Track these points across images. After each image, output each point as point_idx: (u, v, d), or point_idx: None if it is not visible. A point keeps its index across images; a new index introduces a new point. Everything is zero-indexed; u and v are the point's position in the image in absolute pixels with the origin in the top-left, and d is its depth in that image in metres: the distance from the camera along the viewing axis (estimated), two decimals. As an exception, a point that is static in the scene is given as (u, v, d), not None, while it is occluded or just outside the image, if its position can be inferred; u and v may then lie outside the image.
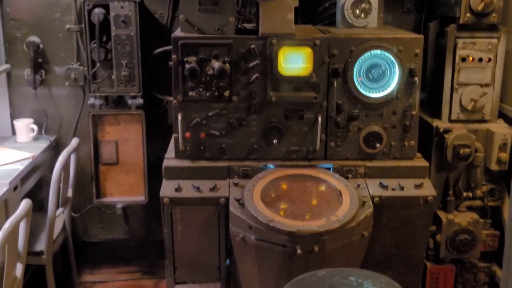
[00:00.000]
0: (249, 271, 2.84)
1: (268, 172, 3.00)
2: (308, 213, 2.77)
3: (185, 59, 2.95)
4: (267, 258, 2.69)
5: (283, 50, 2.95)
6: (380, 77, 3.03)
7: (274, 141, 3.05)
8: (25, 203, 2.61)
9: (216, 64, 2.95)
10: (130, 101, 3.60)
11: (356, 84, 3.02)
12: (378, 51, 2.98)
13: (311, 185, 2.96)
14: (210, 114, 3.03)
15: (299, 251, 2.58)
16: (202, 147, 3.06)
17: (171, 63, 2.99)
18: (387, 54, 2.98)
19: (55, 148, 3.75)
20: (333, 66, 3.00)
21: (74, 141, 3.45)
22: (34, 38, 3.68)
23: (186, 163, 3.05)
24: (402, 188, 2.97)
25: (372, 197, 2.92)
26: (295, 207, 2.80)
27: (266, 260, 2.70)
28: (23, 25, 3.69)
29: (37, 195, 3.60)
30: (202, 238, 3.01)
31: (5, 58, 3.69)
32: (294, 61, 2.98)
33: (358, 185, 2.95)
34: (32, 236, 2.96)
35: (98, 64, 3.52)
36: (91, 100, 3.60)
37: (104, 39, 3.49)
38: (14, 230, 2.51)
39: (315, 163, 3.07)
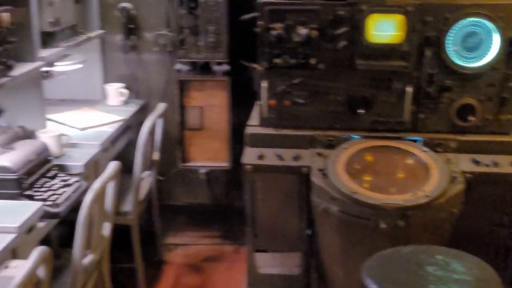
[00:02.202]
0: (330, 243, 2.80)
1: (352, 142, 2.94)
2: (394, 186, 2.69)
3: (271, 26, 2.91)
4: (349, 230, 2.65)
5: (373, 17, 2.85)
6: (477, 46, 2.87)
7: (360, 111, 2.97)
8: (114, 165, 2.68)
9: (302, 30, 2.89)
10: (216, 68, 3.61)
11: (450, 53, 2.88)
12: (476, 18, 2.82)
13: (398, 158, 2.87)
14: (295, 81, 2.98)
15: (383, 225, 2.51)
16: (286, 115, 3.03)
17: (257, 29, 2.96)
18: (486, 21, 2.81)
19: (144, 112, 3.83)
20: (426, 34, 2.86)
21: (161, 106, 3.51)
22: (126, 4, 3.75)
23: (269, 130, 3.03)
24: (496, 165, 2.83)
25: (464, 173, 2.79)
26: (380, 179, 2.73)
27: (348, 233, 2.66)
28: (116, -8, 3.78)
29: (125, 158, 3.70)
30: (283, 207, 3.00)
31: (99, 24, 3.78)
32: (384, 29, 2.87)
33: (448, 160, 2.83)
34: (119, 197, 3.05)
35: (186, 30, 3.54)
36: (178, 66, 3.64)
37: (193, 5, 3.50)
38: (103, 190, 2.59)
39: (403, 135, 2.97)
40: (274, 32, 2.90)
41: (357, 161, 2.83)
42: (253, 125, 3.07)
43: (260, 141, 3.00)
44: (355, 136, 2.98)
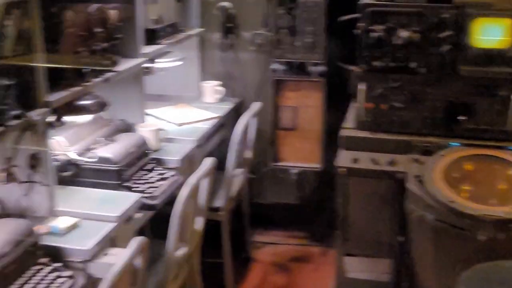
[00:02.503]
0: (424, 252, 2.73)
1: (451, 150, 2.85)
2: (494, 197, 2.58)
3: (371, 27, 2.87)
4: (445, 240, 2.56)
5: (479, 20, 2.75)
6: None
7: (460, 118, 2.87)
8: (209, 161, 2.73)
9: (404, 33, 2.83)
10: (311, 68, 3.61)
11: (561, 59, 2.73)
12: None
13: (499, 168, 2.75)
14: (393, 85, 2.93)
15: (481, 237, 2.42)
16: (382, 119, 2.98)
17: (357, 31, 2.92)
18: None
19: (238, 111, 3.87)
20: (535, 39, 2.73)
21: (256, 105, 3.54)
22: (226, 3, 3.81)
23: (365, 134, 2.99)
24: None
25: None
26: (480, 189, 2.63)
27: (444, 243, 2.57)
28: (217, -9, 3.85)
29: (218, 154, 3.76)
30: (375, 212, 2.95)
31: (199, 22, 3.86)
32: (491, 33, 2.76)
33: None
34: (211, 193, 3.10)
35: (283, 30, 3.55)
36: (274, 66, 3.66)
37: (292, 5, 3.51)
38: (198, 185, 2.65)
39: (506, 144, 2.84)
40: (374, 34, 2.86)
41: (455, 169, 2.74)
42: (349, 128, 3.04)
43: (355, 144, 2.96)
44: (454, 144, 2.89)
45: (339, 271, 3.10)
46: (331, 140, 3.50)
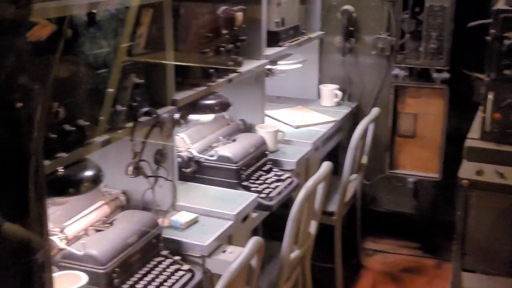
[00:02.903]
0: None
1: None
2: None
3: (504, 34, 2.73)
4: None
5: None
6: None
7: None
8: (326, 166, 2.72)
9: (539, 41, 2.67)
10: (434, 75, 3.50)
11: None
12: None
13: None
14: (525, 96, 2.78)
15: None
16: (510, 130, 2.83)
17: (488, 38, 2.80)
18: None
19: (355, 115, 3.84)
20: None
21: (375, 111, 3.49)
22: (348, 7, 3.78)
23: (490, 145, 2.85)
24: None
25: None
26: None
27: None
28: (340, -6, 3.83)
29: (334, 158, 3.74)
30: (497, 228, 2.80)
31: (320, 25, 3.86)
32: None
33: None
34: (326, 197, 3.09)
35: (407, 35, 3.48)
36: (395, 71, 3.58)
37: (417, 10, 3.42)
38: (314, 189, 2.64)
39: None
40: (507, 42, 2.71)
41: None
42: (473, 138, 2.91)
43: (480, 156, 2.83)
44: None
45: (455, 287, 2.98)
46: (451, 150, 3.39)
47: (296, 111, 3.68)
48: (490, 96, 2.82)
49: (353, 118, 3.83)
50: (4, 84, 1.46)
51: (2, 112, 1.49)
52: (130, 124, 2.14)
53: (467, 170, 2.80)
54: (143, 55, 2.34)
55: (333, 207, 3.31)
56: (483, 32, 2.86)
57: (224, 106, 2.65)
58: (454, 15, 3.35)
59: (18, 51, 1.53)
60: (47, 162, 1.75)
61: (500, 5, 2.82)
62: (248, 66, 2.93)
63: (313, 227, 2.85)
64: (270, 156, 2.99)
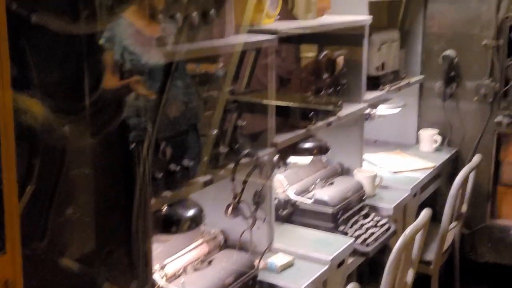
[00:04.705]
0: None
1: None
2: None
3: None
4: None
5: None
6: None
7: None
8: (425, 213, 2.66)
9: None
10: (540, 123, 3.37)
11: None
12: None
13: None
14: None
15: None
16: None
17: None
18: None
19: (454, 162, 3.75)
20: None
21: (476, 158, 3.39)
22: (450, 52, 3.73)
23: None
24: None
25: None
26: None
27: None
28: (441, 39, 3.78)
29: (431, 205, 3.66)
30: None
31: (420, 70, 3.83)
32: None
33: None
34: (424, 245, 3.02)
35: (510, 82, 3.38)
36: (498, 118, 3.49)
37: (524, 55, 3.34)
38: (412, 237, 2.59)
39: None
40: None
41: None
42: None
43: None
44: None
45: None
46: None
47: (394, 156, 3.64)
48: None
49: (453, 165, 3.73)
50: (121, 125, 1.57)
51: (117, 153, 1.60)
52: (231, 165, 2.20)
53: None
54: (245, 96, 2.43)
55: (430, 256, 3.23)
56: None
57: (322, 149, 2.68)
58: None
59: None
60: (153, 201, 1.83)
61: None
62: (348, 109, 2.94)
63: (410, 276, 2.79)
64: (367, 201, 2.97)
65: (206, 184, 2.09)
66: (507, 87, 3.40)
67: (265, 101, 2.42)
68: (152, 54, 1.70)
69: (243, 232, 2.35)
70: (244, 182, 2.29)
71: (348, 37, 3.01)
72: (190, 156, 2.00)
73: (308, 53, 3.17)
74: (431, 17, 3.78)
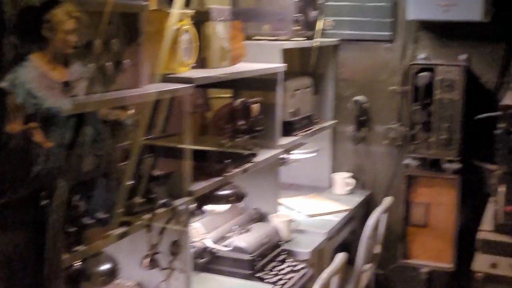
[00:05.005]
0: None
1: None
2: None
3: (513, 129, 2.80)
4: None
5: None
6: None
7: None
8: (341, 257, 2.71)
9: (549, 136, 2.73)
10: (446, 165, 3.53)
11: None
12: None
13: None
14: (537, 189, 2.80)
15: None
16: (524, 224, 2.84)
17: (497, 131, 2.86)
18: None
19: (368, 203, 3.87)
20: None
21: (387, 200, 3.50)
22: (361, 97, 3.88)
23: (504, 238, 2.86)
24: None
25: None
26: None
27: None
28: (352, 85, 3.93)
29: (347, 247, 3.73)
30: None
31: (332, 114, 3.96)
32: None
33: None
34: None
35: (418, 126, 3.54)
36: (407, 161, 3.63)
37: (427, 101, 3.50)
38: (328, 282, 2.63)
39: None
40: (516, 136, 2.78)
41: None
42: (486, 230, 2.93)
43: (493, 248, 2.84)
44: None
45: None
46: (465, 240, 3.38)
47: (310, 200, 3.71)
48: (502, 189, 2.85)
49: (366, 207, 3.85)
50: (32, 183, 1.52)
51: (28, 211, 1.54)
52: (147, 216, 2.17)
53: (481, 262, 2.80)
54: (160, 145, 2.41)
55: (346, 297, 3.28)
56: (492, 123, 2.93)
57: (239, 197, 2.70)
58: (463, 107, 3.43)
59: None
60: (65, 256, 1.78)
61: (508, 100, 2.91)
62: (263, 155, 2.98)
63: (326, 319, 2.82)
64: (284, 246, 2.99)
65: (121, 236, 2.05)
66: (414, 131, 3.56)
67: (181, 149, 2.41)
68: (60, 100, 1.65)
69: (159, 284, 2.31)
70: (161, 233, 2.27)
71: (263, 82, 3.08)
72: (103, 208, 1.96)
73: (224, 97, 3.22)
74: (342, 64, 3.94)
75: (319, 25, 3.61)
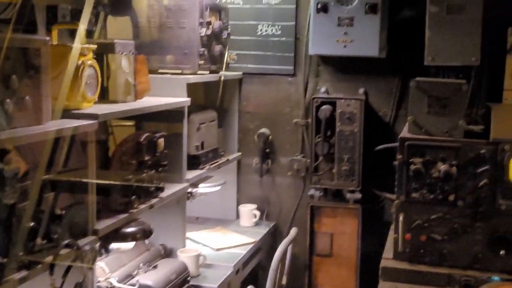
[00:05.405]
0: None
1: (492, 285, 2.80)
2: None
3: (410, 160, 2.93)
4: None
5: (517, 156, 2.80)
6: None
7: (501, 252, 2.85)
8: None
9: (442, 167, 2.88)
10: (348, 195, 3.65)
11: None
12: None
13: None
14: (432, 217, 2.94)
15: None
16: (422, 251, 2.96)
17: (395, 162, 2.99)
18: None
19: (274, 235, 3.91)
20: None
21: (293, 231, 3.56)
22: (264, 130, 3.95)
23: (404, 265, 2.96)
24: None
25: None
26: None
27: None
28: (256, 118, 4.00)
29: (254, 279, 3.75)
30: None
31: (238, 147, 3.99)
32: (529, 169, 2.80)
33: None
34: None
35: (321, 158, 3.65)
36: (311, 192, 3.72)
37: (328, 134, 3.62)
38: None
39: (549, 282, 2.80)
40: (413, 167, 2.91)
41: (498, 306, 2.69)
42: (388, 258, 3.03)
43: (395, 275, 2.93)
44: (495, 278, 2.85)
45: None
46: (368, 268, 3.48)
47: (216, 233, 3.70)
48: (401, 218, 2.97)
49: (272, 238, 3.89)
50: None
51: None
52: (49, 258, 2.09)
53: (384, 290, 2.88)
54: (63, 183, 2.33)
55: (255, 330, 3.28)
56: (391, 154, 3.06)
57: (146, 233, 2.65)
58: (363, 139, 3.57)
59: None
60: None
61: (405, 133, 3.05)
62: (170, 190, 2.95)
63: None
64: (192, 281, 2.96)
65: (22, 280, 1.95)
66: (317, 163, 3.66)
67: (84, 185, 2.35)
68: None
69: (63, 328, 2.21)
70: (64, 274, 2.18)
71: (168, 115, 3.06)
72: (3, 252, 1.87)
73: (126, 126, 3.17)
74: (246, 97, 4.00)
75: (224, 59, 3.66)
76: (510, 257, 2.85)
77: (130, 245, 2.71)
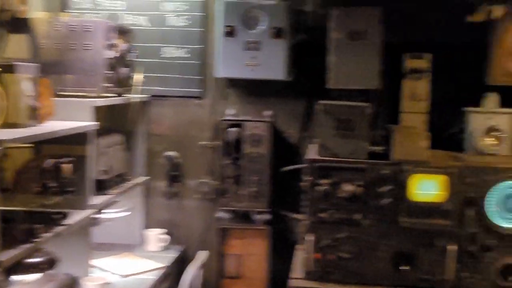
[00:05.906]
0: None
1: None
2: None
3: (318, 181, 3.00)
4: None
5: (416, 176, 2.94)
6: (518, 207, 2.93)
7: (403, 268, 2.98)
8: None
9: (348, 187, 2.98)
10: (256, 217, 3.68)
11: (491, 214, 2.93)
12: (515, 182, 2.91)
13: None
14: (340, 236, 3.02)
15: None
16: (330, 269, 3.03)
17: (302, 183, 3.05)
18: (524, 185, 2.90)
19: (183, 259, 3.86)
20: (467, 195, 2.93)
21: (202, 255, 3.54)
22: (172, 153, 3.91)
23: (314, 284, 3.02)
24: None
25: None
26: None
27: None
28: (163, 140, 3.96)
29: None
30: None
31: (145, 171, 3.93)
32: (427, 188, 2.95)
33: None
34: None
35: (229, 180, 3.66)
36: (220, 214, 3.72)
37: (237, 156, 3.64)
38: None
39: (448, 294, 2.95)
40: (320, 188, 2.98)
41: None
42: (297, 278, 3.07)
43: (305, 295, 2.99)
44: (398, 293, 2.97)
45: None
46: (279, 288, 3.52)
47: (123, 259, 3.61)
48: (310, 238, 3.03)
49: (181, 262, 3.83)
50: None
51: None
52: None
53: (293, 311, 2.92)
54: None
55: None
56: (297, 175, 3.12)
57: (51, 263, 2.54)
58: (271, 160, 3.62)
59: None
60: None
61: (312, 154, 3.12)
62: (75, 217, 2.85)
63: None
64: (99, 311, 2.87)
65: None
66: (225, 185, 3.66)
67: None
68: None
69: None
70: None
71: (72, 138, 2.96)
72: None
73: (23, 147, 3.03)
74: (153, 120, 3.95)
75: (130, 81, 3.60)
76: (412, 272, 2.98)
77: (34, 276, 2.59)
